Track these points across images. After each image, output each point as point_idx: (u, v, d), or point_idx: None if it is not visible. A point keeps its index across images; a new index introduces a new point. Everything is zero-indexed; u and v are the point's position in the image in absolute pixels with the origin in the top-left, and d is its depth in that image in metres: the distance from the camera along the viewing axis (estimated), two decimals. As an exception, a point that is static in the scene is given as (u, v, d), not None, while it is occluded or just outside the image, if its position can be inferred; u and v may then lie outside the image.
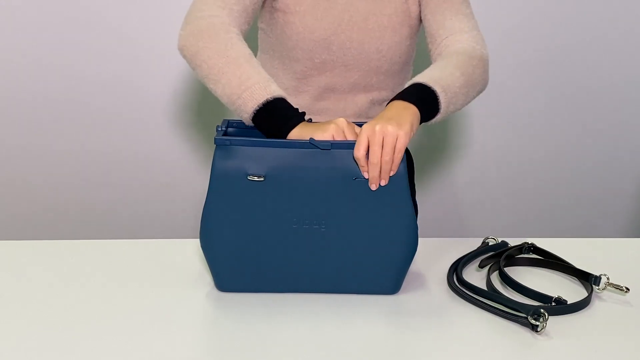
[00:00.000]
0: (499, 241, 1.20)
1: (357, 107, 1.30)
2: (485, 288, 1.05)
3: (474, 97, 1.16)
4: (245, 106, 1.01)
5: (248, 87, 1.01)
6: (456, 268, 1.10)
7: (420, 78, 1.08)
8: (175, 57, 1.35)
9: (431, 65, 1.15)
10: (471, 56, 1.16)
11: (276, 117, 1.00)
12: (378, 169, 0.95)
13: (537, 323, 0.92)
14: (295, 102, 1.23)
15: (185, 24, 1.11)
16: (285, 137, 0.99)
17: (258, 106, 1.00)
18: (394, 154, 0.95)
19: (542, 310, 0.93)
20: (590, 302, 1.03)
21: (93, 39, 1.95)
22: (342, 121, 1.00)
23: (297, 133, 0.99)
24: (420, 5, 1.27)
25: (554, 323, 0.95)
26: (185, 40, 1.09)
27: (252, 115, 1.01)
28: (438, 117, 1.07)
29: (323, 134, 0.97)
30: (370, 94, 1.30)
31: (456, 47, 1.18)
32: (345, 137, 0.98)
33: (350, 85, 1.29)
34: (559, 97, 2.12)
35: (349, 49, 1.25)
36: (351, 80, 1.28)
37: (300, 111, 1.03)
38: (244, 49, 1.06)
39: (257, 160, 0.96)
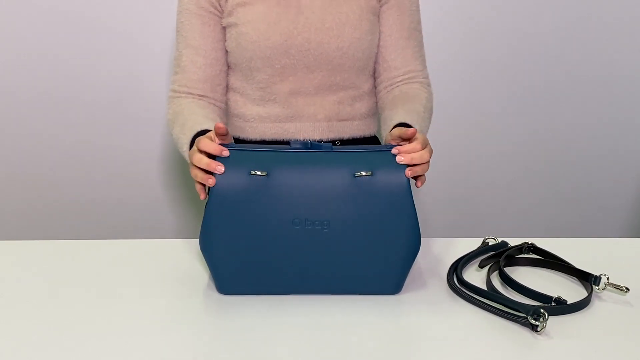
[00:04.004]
0: (499, 241, 1.20)
1: (326, 110, 1.30)
2: (485, 288, 1.05)
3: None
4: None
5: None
6: (456, 268, 1.10)
7: (402, 119, 1.16)
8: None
9: (403, 106, 1.22)
10: (429, 100, 1.30)
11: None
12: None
13: (537, 323, 0.92)
14: (264, 111, 1.29)
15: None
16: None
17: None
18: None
19: (542, 310, 0.93)
20: (590, 302, 1.02)
21: (94, 38, 1.95)
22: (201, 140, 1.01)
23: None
24: (379, 2, 1.30)
25: (554, 323, 0.95)
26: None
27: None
28: None
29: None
30: (337, 95, 1.30)
31: (415, 91, 1.29)
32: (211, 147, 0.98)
33: (315, 87, 1.28)
34: (560, 96, 2.12)
35: (309, 50, 1.24)
36: (315, 82, 1.27)
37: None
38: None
39: (259, 162, 0.96)
